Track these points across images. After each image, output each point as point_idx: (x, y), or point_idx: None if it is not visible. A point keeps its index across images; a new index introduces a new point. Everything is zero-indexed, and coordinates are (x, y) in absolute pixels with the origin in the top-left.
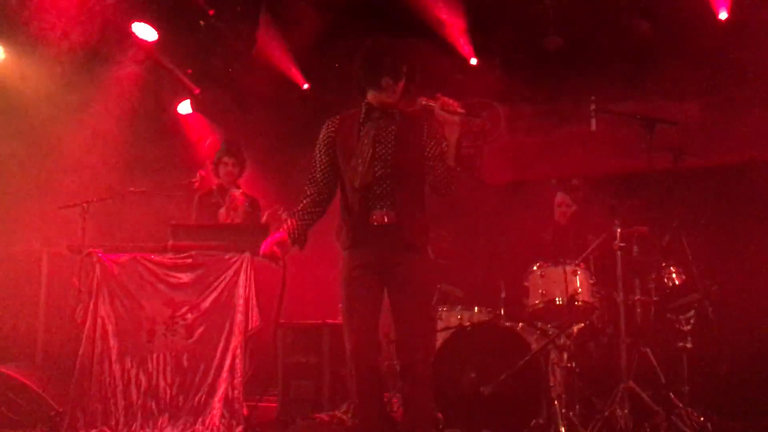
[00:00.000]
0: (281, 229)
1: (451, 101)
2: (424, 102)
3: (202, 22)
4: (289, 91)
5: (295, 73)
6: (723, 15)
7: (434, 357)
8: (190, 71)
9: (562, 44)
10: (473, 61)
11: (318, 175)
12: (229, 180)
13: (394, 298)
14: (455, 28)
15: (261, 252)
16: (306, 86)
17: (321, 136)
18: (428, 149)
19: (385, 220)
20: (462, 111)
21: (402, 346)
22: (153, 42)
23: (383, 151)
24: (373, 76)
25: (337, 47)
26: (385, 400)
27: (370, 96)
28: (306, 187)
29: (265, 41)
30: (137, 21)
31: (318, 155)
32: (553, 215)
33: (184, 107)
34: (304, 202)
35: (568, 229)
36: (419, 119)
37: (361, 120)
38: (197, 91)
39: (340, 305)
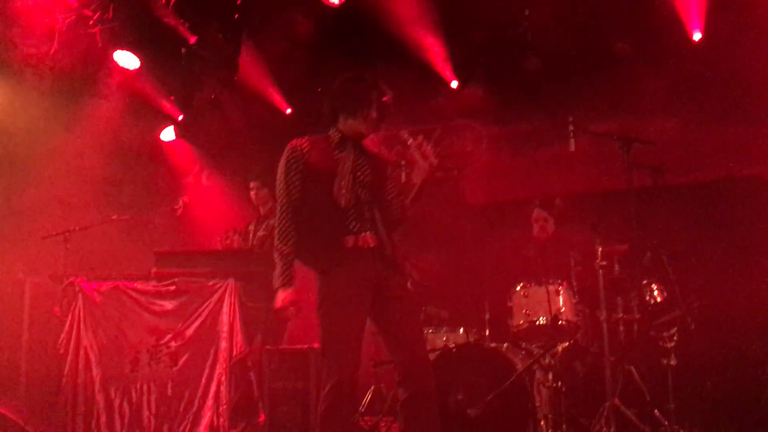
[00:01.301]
0: (287, 287)
1: (426, 147)
2: (405, 137)
3: (183, 50)
4: (272, 116)
5: (277, 99)
6: (697, 36)
7: None
8: (172, 98)
9: (541, 65)
10: (454, 84)
11: (296, 208)
12: (259, 204)
13: (389, 319)
14: (436, 52)
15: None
16: (288, 111)
17: (290, 160)
18: (391, 184)
19: (374, 243)
20: (433, 161)
21: (410, 371)
22: (135, 70)
23: (362, 178)
24: (360, 107)
25: (318, 72)
26: (370, 424)
27: (346, 125)
28: (288, 225)
29: (247, 67)
30: (119, 49)
31: (291, 180)
32: (532, 233)
33: (167, 134)
34: (293, 240)
35: (550, 246)
36: (382, 158)
37: (334, 145)
38: (180, 118)
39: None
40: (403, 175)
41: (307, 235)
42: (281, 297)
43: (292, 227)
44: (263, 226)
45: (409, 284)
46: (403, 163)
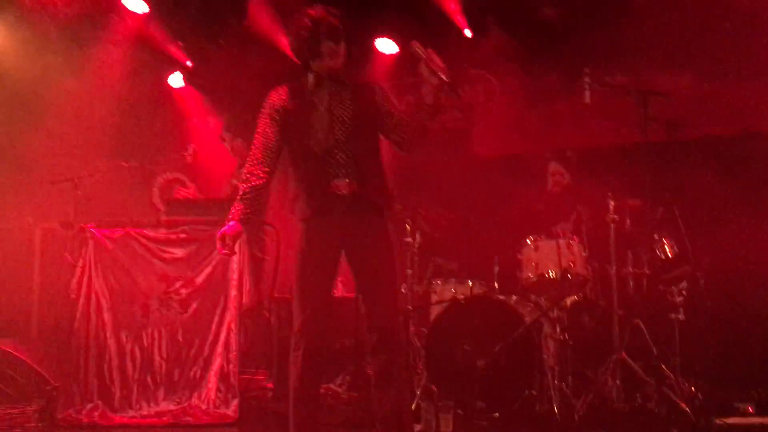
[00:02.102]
0: (229, 218)
1: (438, 61)
2: (415, 47)
3: None
4: (281, 62)
5: (286, 45)
6: None
7: (428, 330)
8: (181, 43)
9: (556, 16)
10: (467, 33)
11: (262, 152)
12: (235, 154)
13: (357, 267)
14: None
15: (220, 253)
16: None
17: (266, 108)
18: (384, 113)
19: (348, 188)
20: (443, 77)
21: (374, 318)
22: (143, 14)
23: (341, 114)
24: (312, 45)
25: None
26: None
27: (315, 66)
28: (253, 167)
29: (257, 13)
30: None
31: (264, 128)
32: (546, 186)
33: (176, 80)
34: (254, 182)
35: (561, 200)
36: (369, 84)
37: (310, 89)
38: (189, 64)
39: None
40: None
41: (292, 184)
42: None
43: (253, 168)
44: (236, 174)
45: (418, 235)
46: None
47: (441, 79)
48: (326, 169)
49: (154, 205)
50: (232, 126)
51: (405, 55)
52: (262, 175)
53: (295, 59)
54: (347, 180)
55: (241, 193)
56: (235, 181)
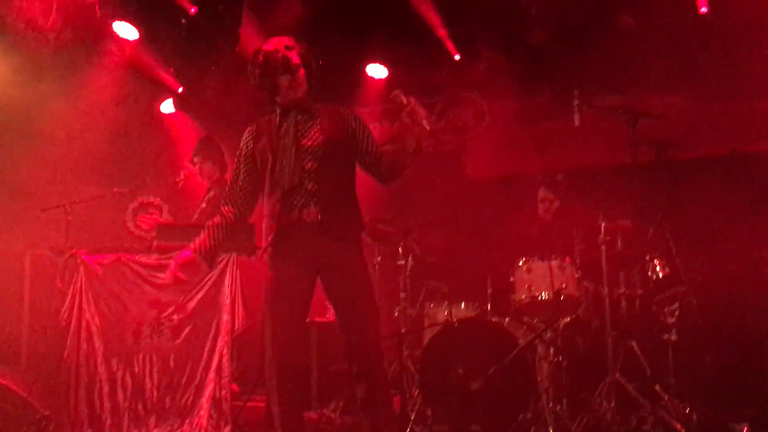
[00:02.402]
0: (188, 247)
1: (420, 110)
2: (398, 96)
3: (183, 21)
4: None
5: None
6: (703, 9)
7: (422, 353)
8: (172, 70)
9: (545, 39)
10: (456, 57)
11: (237, 192)
12: (204, 178)
13: (334, 295)
14: (438, 24)
15: (167, 279)
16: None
17: (239, 148)
18: (359, 141)
19: (318, 217)
20: (426, 126)
21: (353, 346)
22: (134, 41)
23: (309, 143)
24: (268, 82)
25: (319, 44)
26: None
27: (279, 99)
28: (222, 206)
29: (248, 38)
30: (118, 20)
31: (236, 168)
32: (537, 211)
33: (167, 106)
34: (218, 220)
35: (553, 223)
36: (340, 111)
37: (277, 123)
38: (180, 90)
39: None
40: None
41: (264, 219)
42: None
43: (222, 207)
44: (205, 198)
45: (410, 258)
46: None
47: (423, 127)
48: (295, 200)
49: (127, 229)
50: (203, 150)
51: (395, 80)
52: (227, 214)
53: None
54: (316, 208)
55: (208, 225)
56: (204, 205)
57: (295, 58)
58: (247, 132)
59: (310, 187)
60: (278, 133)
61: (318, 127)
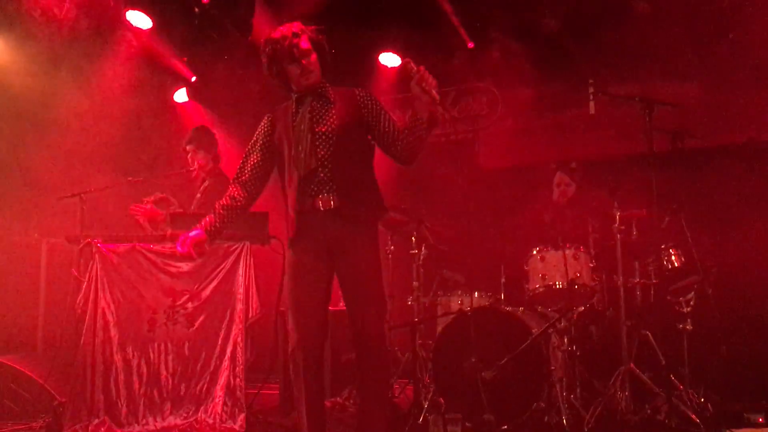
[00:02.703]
0: (198, 226)
1: (429, 79)
2: (408, 63)
3: (196, 10)
4: None
5: None
6: None
7: (435, 342)
8: (185, 59)
9: (559, 27)
10: (470, 45)
11: (246, 176)
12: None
13: (343, 281)
14: (451, 11)
15: (179, 251)
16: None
17: (255, 134)
18: (372, 120)
19: (331, 204)
20: (434, 95)
21: (356, 333)
22: (147, 30)
23: (324, 129)
24: (279, 70)
25: (332, 33)
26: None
27: (293, 86)
28: (231, 187)
29: (261, 28)
30: (131, 8)
31: (248, 154)
32: (551, 198)
33: (180, 95)
34: (227, 201)
35: (567, 211)
36: (350, 92)
37: (293, 110)
38: (193, 79)
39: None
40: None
41: (282, 206)
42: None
43: (232, 189)
44: (200, 188)
45: (423, 247)
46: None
47: (431, 95)
48: (309, 188)
49: (140, 225)
50: (197, 138)
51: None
52: (235, 195)
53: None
54: (329, 196)
55: (216, 206)
56: (198, 195)
57: (303, 43)
58: (265, 119)
59: (323, 175)
60: (294, 120)
61: (333, 112)
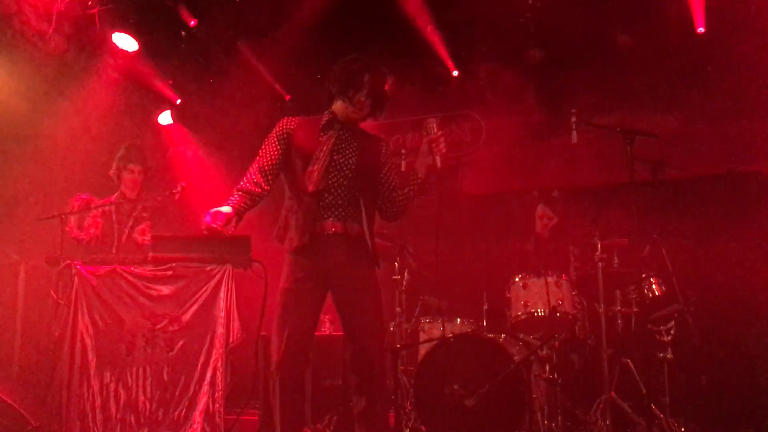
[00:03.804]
0: (228, 203)
1: (441, 145)
2: (431, 123)
3: (183, 33)
4: (270, 102)
5: (276, 85)
6: (700, 29)
7: (417, 368)
8: (170, 81)
9: (543, 57)
10: (455, 74)
11: (267, 167)
12: (133, 188)
13: (344, 308)
14: (437, 40)
15: (206, 225)
16: (287, 97)
17: (277, 129)
18: (384, 173)
19: (334, 230)
20: (437, 161)
21: (358, 359)
22: (133, 52)
23: (342, 161)
24: (349, 88)
25: (318, 59)
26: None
27: (337, 106)
28: (254, 173)
29: (247, 52)
30: (118, 31)
31: (270, 147)
32: (534, 227)
33: (165, 118)
34: (252, 186)
35: (549, 240)
36: (378, 140)
37: (322, 127)
38: (178, 101)
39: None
40: (403, 164)
41: (284, 212)
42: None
43: (254, 176)
44: (134, 211)
45: (406, 273)
46: (403, 152)
47: (435, 161)
48: (317, 208)
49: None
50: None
51: (392, 96)
52: (261, 183)
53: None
54: (334, 221)
55: (238, 187)
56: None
57: (385, 91)
58: (288, 120)
59: (330, 200)
60: (317, 138)
61: (355, 148)
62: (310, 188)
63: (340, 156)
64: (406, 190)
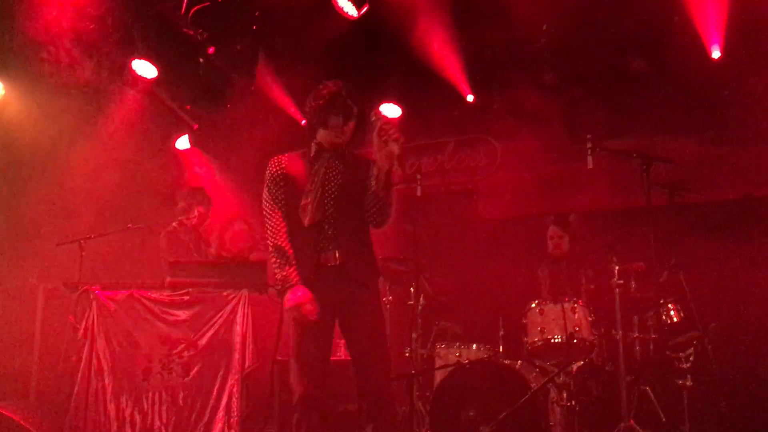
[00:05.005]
0: (291, 283)
1: (391, 130)
2: (376, 113)
3: (201, 60)
4: (287, 127)
5: (293, 110)
6: (716, 53)
7: (432, 394)
8: (188, 107)
9: (559, 81)
10: (470, 98)
11: (284, 221)
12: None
13: (350, 336)
14: (452, 65)
15: (312, 316)
16: (304, 122)
17: (270, 174)
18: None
19: (335, 260)
20: (392, 148)
21: (365, 386)
22: (152, 79)
23: (331, 189)
24: (323, 115)
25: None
26: None
27: (320, 136)
28: (278, 222)
29: (264, 78)
30: (137, 58)
31: (273, 192)
32: (547, 250)
33: (182, 142)
34: (289, 247)
35: (565, 265)
36: (366, 160)
37: (311, 159)
38: (196, 127)
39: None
40: (419, 189)
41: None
42: (292, 296)
43: (282, 223)
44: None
45: (421, 298)
46: (418, 176)
47: (390, 148)
48: (316, 241)
49: (161, 254)
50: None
51: (408, 120)
52: (284, 229)
53: (304, 124)
54: (335, 252)
55: (289, 256)
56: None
57: (354, 109)
58: (275, 162)
59: (330, 231)
60: (309, 172)
61: (341, 171)
62: (306, 222)
63: (331, 184)
64: (373, 189)
